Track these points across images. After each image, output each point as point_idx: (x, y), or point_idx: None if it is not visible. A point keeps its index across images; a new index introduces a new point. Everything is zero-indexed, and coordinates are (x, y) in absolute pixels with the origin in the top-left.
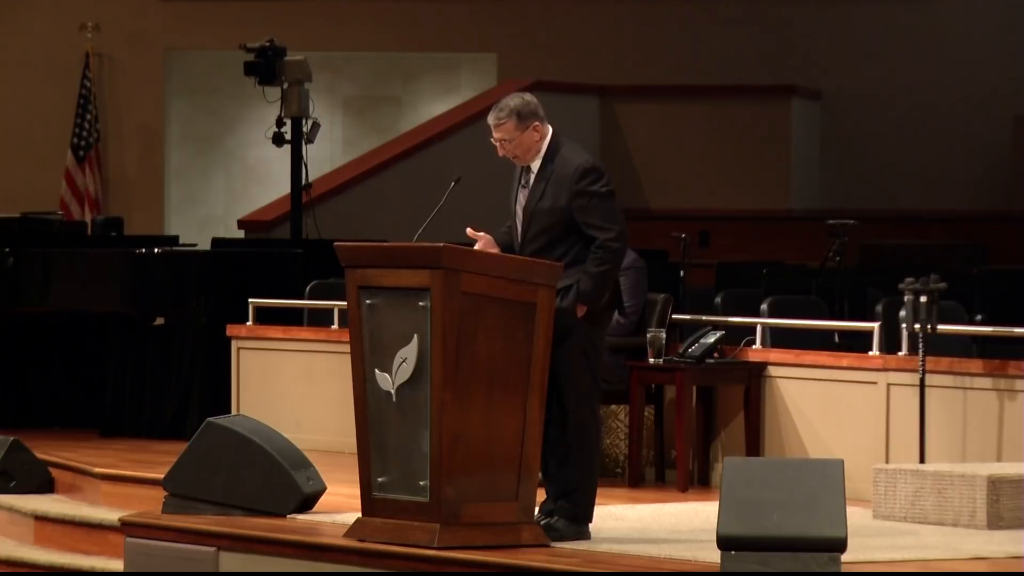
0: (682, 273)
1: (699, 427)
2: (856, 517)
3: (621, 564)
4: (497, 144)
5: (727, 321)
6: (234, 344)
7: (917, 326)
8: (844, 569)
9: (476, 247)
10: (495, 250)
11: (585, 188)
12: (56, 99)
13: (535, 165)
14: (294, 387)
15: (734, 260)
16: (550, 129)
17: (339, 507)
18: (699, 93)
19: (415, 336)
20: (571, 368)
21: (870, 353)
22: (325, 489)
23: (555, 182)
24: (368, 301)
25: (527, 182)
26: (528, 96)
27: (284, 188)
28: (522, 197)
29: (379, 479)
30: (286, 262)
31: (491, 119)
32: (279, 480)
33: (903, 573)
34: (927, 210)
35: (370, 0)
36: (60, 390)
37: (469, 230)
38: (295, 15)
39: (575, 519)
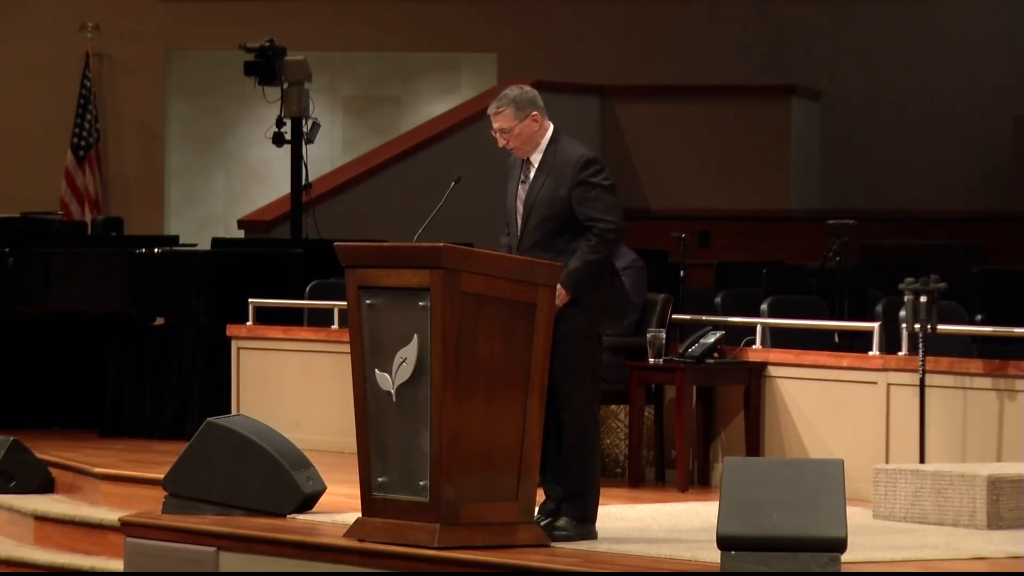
0: (682, 273)
1: (699, 427)
2: (856, 517)
3: (621, 564)
4: (497, 135)
5: (727, 321)
6: (234, 344)
7: (917, 326)
8: (844, 569)
9: None
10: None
11: (586, 178)
12: (56, 99)
13: (535, 159)
14: (294, 387)
15: (734, 260)
16: (551, 124)
17: (339, 507)
18: (699, 93)
19: (415, 336)
20: (571, 369)
21: (870, 353)
22: (325, 489)
23: (556, 173)
24: (368, 301)
25: (527, 176)
26: (527, 87)
27: (284, 188)
28: (522, 191)
29: (379, 479)
30: (286, 262)
31: (490, 109)
32: (279, 480)
33: (903, 573)
34: (927, 210)
35: (370, 0)
36: (60, 390)
37: None
38: (295, 15)
39: (583, 519)
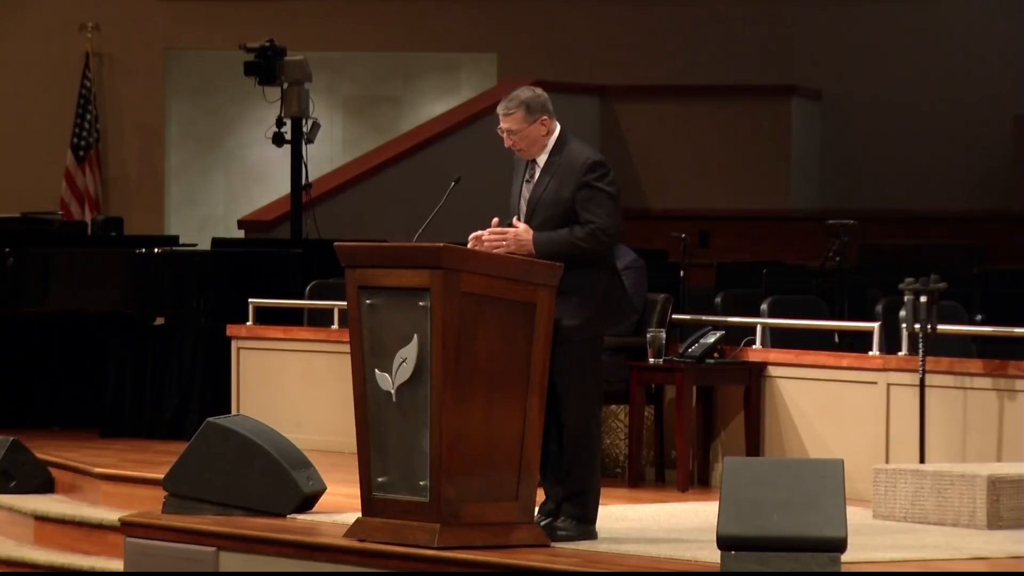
0: (682, 273)
1: (699, 427)
2: (856, 517)
3: (621, 564)
4: (504, 135)
5: (727, 321)
6: (234, 344)
7: (917, 326)
8: (844, 569)
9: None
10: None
11: (591, 181)
12: (56, 99)
13: (541, 159)
14: (294, 387)
15: (734, 260)
16: (558, 125)
17: (339, 507)
18: (699, 93)
19: (415, 336)
20: (572, 369)
21: (870, 353)
22: (325, 489)
23: (561, 174)
24: (368, 301)
25: (531, 176)
26: (539, 90)
27: (284, 188)
28: (526, 191)
29: (379, 479)
30: (286, 262)
31: (500, 109)
32: (279, 480)
33: (903, 573)
34: (927, 210)
35: (370, 0)
36: (60, 390)
37: (496, 220)
38: (295, 15)
39: (583, 520)
